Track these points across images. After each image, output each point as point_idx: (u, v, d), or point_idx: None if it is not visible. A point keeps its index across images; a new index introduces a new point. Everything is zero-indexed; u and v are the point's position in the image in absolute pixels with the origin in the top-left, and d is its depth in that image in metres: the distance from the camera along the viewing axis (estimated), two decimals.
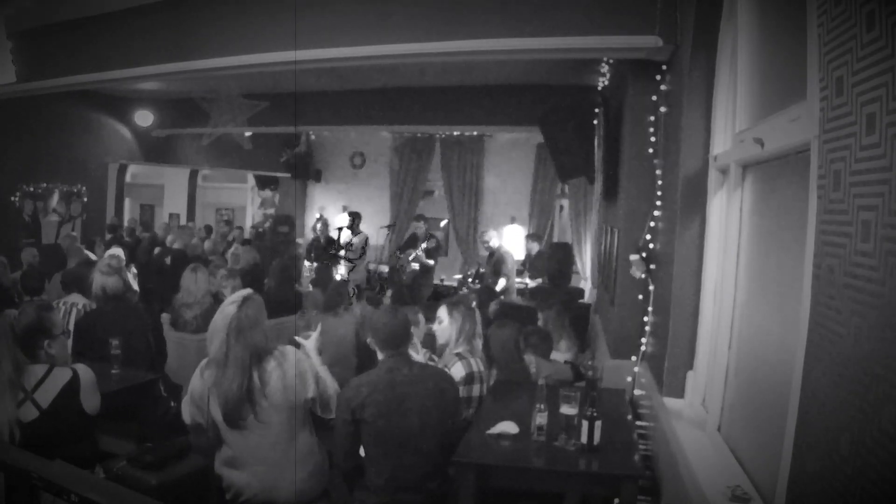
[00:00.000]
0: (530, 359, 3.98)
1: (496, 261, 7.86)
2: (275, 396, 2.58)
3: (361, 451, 2.90)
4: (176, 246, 8.25)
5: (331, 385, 2.82)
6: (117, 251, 7.38)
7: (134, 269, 7.09)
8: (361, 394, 2.79)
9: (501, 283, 7.84)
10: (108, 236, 9.04)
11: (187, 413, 2.68)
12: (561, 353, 4.28)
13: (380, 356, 2.98)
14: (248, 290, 2.78)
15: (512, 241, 9.28)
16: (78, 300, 4.38)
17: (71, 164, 9.19)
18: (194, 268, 5.24)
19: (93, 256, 7.11)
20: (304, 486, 2.66)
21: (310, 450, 2.71)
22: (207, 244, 8.67)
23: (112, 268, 4.19)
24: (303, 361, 2.73)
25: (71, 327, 4.10)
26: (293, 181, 11.86)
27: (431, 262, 8.98)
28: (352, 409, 2.77)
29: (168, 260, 7.38)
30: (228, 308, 2.61)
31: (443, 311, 3.65)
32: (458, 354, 3.51)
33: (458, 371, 3.42)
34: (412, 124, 9.57)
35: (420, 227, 9.30)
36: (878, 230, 1.09)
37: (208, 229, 10.71)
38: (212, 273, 5.47)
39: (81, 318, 4.17)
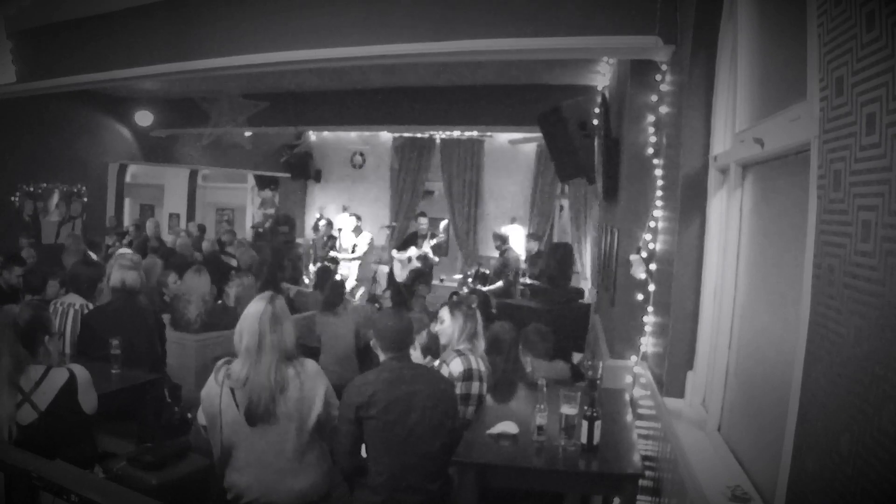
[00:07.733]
0: (526, 359, 3.98)
1: (514, 263, 8.02)
2: (290, 404, 2.55)
3: (363, 451, 2.90)
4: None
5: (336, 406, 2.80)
6: (127, 251, 7.38)
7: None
8: (365, 393, 2.79)
9: (499, 284, 7.89)
10: (114, 236, 9.00)
11: (202, 419, 2.66)
12: None
13: (382, 357, 2.98)
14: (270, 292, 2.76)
15: (513, 240, 9.32)
16: (75, 300, 4.24)
17: (71, 164, 9.17)
18: (198, 269, 5.25)
19: (94, 256, 7.09)
20: (308, 493, 2.63)
21: (318, 459, 2.68)
22: (205, 245, 8.65)
23: (134, 262, 4.19)
24: (320, 377, 2.69)
25: (67, 328, 4.07)
26: (293, 181, 11.85)
27: (437, 259, 8.99)
28: (356, 408, 2.78)
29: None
30: (258, 304, 2.58)
31: (444, 312, 3.66)
32: (457, 351, 3.52)
33: (456, 366, 3.42)
34: (412, 124, 9.57)
35: (423, 225, 9.32)
36: (878, 230, 1.08)
37: (201, 228, 10.65)
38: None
39: (88, 314, 4.09)
